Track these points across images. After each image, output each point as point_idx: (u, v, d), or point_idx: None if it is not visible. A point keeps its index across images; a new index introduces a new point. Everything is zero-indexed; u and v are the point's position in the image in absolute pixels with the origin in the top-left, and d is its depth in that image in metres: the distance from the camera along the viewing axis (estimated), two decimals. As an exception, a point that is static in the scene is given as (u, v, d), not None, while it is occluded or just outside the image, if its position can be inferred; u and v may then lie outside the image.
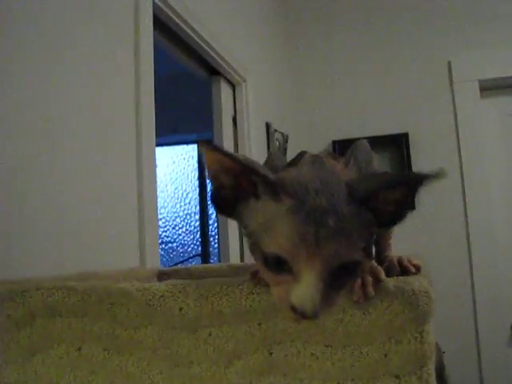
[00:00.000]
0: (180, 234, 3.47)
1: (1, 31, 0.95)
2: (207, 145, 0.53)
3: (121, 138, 1.31)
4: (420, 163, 2.76)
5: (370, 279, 0.57)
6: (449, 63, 2.84)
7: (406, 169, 2.76)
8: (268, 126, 2.50)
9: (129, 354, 0.66)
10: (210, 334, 0.63)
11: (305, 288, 0.49)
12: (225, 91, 2.22)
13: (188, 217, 3.46)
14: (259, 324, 0.61)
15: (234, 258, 2.14)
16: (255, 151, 2.27)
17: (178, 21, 1.69)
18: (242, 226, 0.57)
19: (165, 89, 1.94)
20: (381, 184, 0.55)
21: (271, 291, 0.55)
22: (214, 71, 2.16)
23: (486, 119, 2.75)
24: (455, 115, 2.77)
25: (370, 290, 0.57)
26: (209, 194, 0.57)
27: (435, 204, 2.61)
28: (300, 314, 0.49)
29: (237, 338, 0.62)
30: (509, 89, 2.79)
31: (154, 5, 1.53)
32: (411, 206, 0.57)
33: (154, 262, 1.40)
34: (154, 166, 1.44)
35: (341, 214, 0.51)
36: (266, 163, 0.77)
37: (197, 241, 3.42)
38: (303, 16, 3.07)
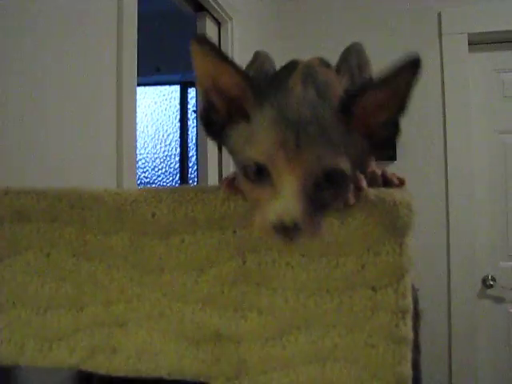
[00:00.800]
0: (159, 176, 3.42)
1: None
2: (198, 39, 0.49)
3: (101, 76, 1.25)
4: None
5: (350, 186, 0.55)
6: (439, 14, 2.78)
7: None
8: (253, 67, 2.45)
9: (98, 261, 0.64)
10: (183, 241, 0.60)
11: (284, 197, 0.46)
12: (210, 29, 2.15)
13: (168, 158, 3.41)
14: (234, 232, 0.59)
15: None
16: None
17: None
18: (229, 151, 0.55)
19: (149, 27, 1.87)
20: (361, 85, 0.53)
21: (252, 218, 0.50)
22: (199, 8, 2.09)
23: (473, 73, 2.71)
24: (442, 68, 2.73)
25: (350, 197, 0.54)
26: (198, 112, 0.54)
27: (415, 156, 2.59)
28: (281, 230, 0.45)
29: (210, 245, 0.60)
30: (497, 44, 2.75)
31: None
32: (398, 127, 0.55)
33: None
34: (135, 105, 1.39)
35: (324, 122, 0.48)
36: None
37: (176, 183, 3.37)
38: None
